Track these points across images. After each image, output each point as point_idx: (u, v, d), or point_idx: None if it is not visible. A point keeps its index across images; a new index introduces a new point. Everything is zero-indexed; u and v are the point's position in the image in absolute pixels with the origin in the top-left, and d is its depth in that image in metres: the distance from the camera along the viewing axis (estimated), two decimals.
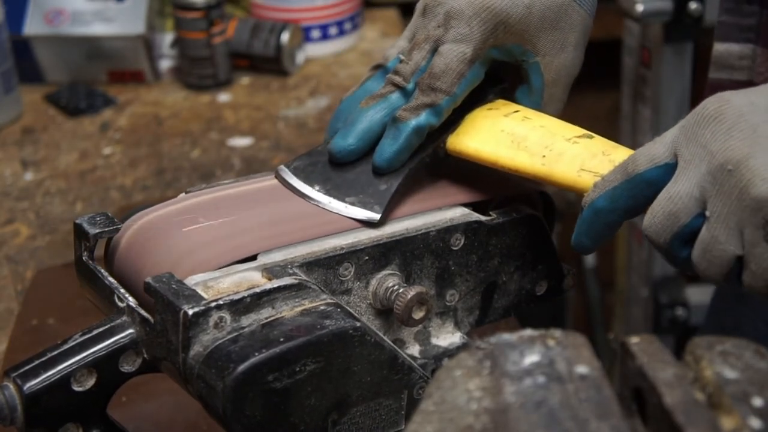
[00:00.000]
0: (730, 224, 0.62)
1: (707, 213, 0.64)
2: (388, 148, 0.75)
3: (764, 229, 0.60)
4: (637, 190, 0.67)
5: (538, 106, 0.80)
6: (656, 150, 0.67)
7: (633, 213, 0.69)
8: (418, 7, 0.80)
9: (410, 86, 0.77)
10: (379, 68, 0.82)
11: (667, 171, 0.66)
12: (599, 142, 0.74)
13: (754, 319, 0.99)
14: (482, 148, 0.77)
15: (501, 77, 0.82)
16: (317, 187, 0.75)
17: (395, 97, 0.77)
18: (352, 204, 0.74)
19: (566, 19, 0.78)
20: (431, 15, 0.78)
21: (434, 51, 0.77)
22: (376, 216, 0.73)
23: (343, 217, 0.74)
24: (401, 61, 0.78)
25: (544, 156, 0.74)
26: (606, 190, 0.68)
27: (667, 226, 0.65)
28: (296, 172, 0.77)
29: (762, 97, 0.64)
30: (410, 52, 0.78)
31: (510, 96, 0.82)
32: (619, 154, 0.71)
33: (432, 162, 0.78)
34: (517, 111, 0.79)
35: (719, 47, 0.86)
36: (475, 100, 0.79)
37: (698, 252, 0.65)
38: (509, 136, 0.76)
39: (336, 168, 0.77)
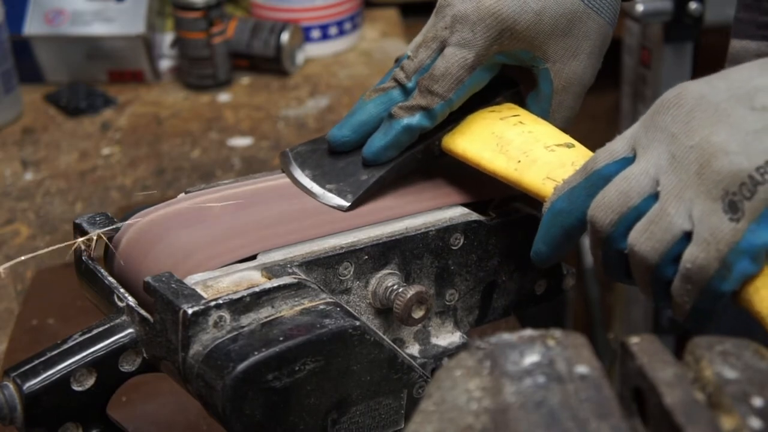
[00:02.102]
0: (684, 197, 0.61)
1: (659, 188, 0.62)
2: (377, 142, 0.76)
3: (723, 201, 0.59)
4: (595, 188, 0.66)
5: (546, 113, 0.80)
6: (615, 145, 0.66)
7: None
8: (436, 5, 0.80)
9: (411, 84, 0.77)
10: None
11: (624, 165, 0.65)
12: (575, 153, 0.73)
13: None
14: (469, 148, 0.77)
15: (516, 81, 0.82)
16: (307, 172, 0.77)
17: (396, 93, 0.78)
18: (330, 191, 0.76)
19: (580, 27, 0.77)
20: (440, 15, 0.78)
21: (441, 51, 0.77)
22: (346, 204, 0.74)
23: (343, 218, 0.74)
24: (408, 57, 0.78)
25: (519, 161, 0.74)
26: (565, 191, 0.68)
27: (616, 206, 0.64)
28: (296, 156, 0.79)
29: (720, 80, 0.63)
30: (417, 49, 0.78)
31: (521, 100, 0.81)
32: None
33: (424, 159, 0.78)
34: (516, 115, 0.78)
35: (735, 44, 0.84)
36: (481, 100, 0.79)
37: (640, 227, 0.63)
38: (496, 139, 0.76)
39: (331, 156, 0.79)
